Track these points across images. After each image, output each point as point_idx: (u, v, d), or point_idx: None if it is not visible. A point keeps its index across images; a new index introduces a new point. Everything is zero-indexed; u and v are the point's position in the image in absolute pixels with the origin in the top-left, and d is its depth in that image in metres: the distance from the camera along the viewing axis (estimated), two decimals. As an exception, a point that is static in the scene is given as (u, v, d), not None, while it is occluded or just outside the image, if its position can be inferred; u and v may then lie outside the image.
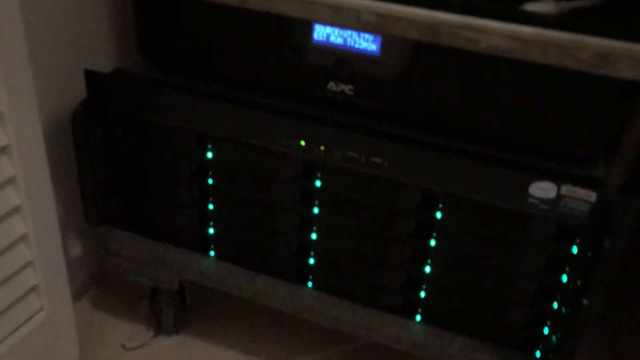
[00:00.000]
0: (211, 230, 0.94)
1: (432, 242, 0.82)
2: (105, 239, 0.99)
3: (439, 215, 0.80)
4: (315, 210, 0.86)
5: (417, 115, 0.79)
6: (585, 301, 0.72)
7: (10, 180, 0.78)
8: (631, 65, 0.56)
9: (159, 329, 1.07)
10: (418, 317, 0.89)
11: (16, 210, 0.80)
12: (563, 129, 0.73)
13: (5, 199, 0.77)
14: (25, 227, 0.81)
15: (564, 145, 0.75)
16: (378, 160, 0.79)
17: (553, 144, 0.75)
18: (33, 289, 0.86)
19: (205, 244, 0.96)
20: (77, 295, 1.13)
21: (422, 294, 0.87)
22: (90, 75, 0.87)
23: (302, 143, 0.81)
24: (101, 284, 1.17)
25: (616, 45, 0.56)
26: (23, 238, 0.82)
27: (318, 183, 0.84)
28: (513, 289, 0.81)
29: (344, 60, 0.78)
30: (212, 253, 0.96)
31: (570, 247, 0.76)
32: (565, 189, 0.72)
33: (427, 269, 0.84)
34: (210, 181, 0.90)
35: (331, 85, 0.81)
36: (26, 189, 0.79)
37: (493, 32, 0.58)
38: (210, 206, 0.92)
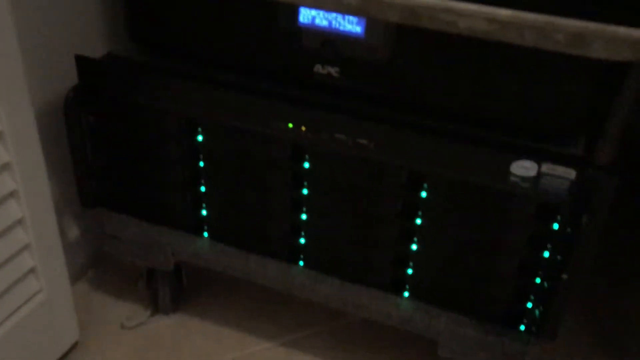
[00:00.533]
0: (204, 212, 0.96)
1: (418, 221, 0.84)
2: (102, 222, 1.02)
3: (424, 194, 0.82)
4: (305, 191, 0.88)
5: (402, 97, 0.81)
6: (564, 276, 0.74)
7: (5, 166, 0.80)
8: (604, 46, 0.58)
9: (157, 309, 1.10)
10: (406, 294, 0.91)
11: (12, 194, 0.82)
12: (543, 108, 0.75)
13: (0, 185, 0.79)
14: (21, 211, 0.83)
15: (545, 124, 0.76)
16: (364, 141, 0.80)
17: (534, 123, 0.76)
18: (31, 270, 0.88)
19: (198, 225, 0.98)
20: (76, 277, 1.16)
21: (410, 271, 0.89)
22: (81, 61, 0.89)
23: (290, 125, 0.83)
24: (99, 265, 1.19)
25: (590, 27, 0.57)
26: (20, 222, 0.84)
27: (307, 165, 0.86)
28: (497, 265, 0.83)
29: (330, 42, 0.80)
30: (205, 234, 0.98)
31: (552, 224, 0.78)
32: (546, 166, 0.74)
33: (414, 247, 0.86)
34: (201, 164, 0.92)
35: (317, 68, 0.82)
36: (21, 174, 0.81)
37: (471, 14, 0.59)
38: (203, 188, 0.94)
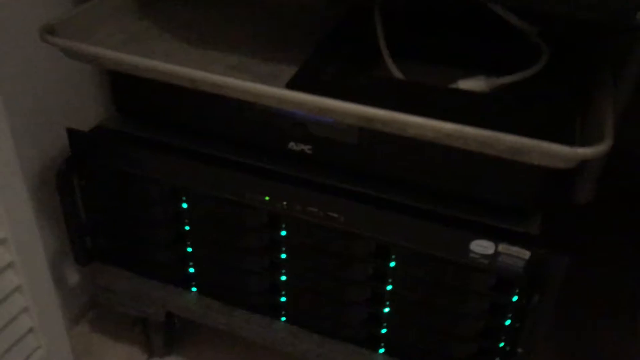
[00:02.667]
0: (191, 269, 1.02)
1: (389, 287, 0.89)
2: (95, 275, 1.08)
3: (392, 263, 0.87)
4: (283, 255, 0.93)
5: (371, 174, 0.85)
6: (519, 350, 0.79)
7: (2, 241, 0.86)
8: (540, 157, 0.62)
9: (152, 352, 1.16)
10: (381, 350, 0.96)
11: (9, 265, 0.88)
12: (500, 187, 0.79)
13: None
14: (19, 280, 0.89)
15: (503, 201, 0.81)
16: (335, 214, 0.85)
17: (492, 200, 0.81)
18: (30, 330, 0.95)
19: (187, 280, 1.04)
20: (76, 319, 1.22)
21: (383, 330, 0.94)
22: (73, 134, 0.94)
23: (267, 198, 0.88)
24: (99, 308, 1.26)
25: (526, 142, 0.62)
26: (17, 289, 0.90)
27: (283, 232, 0.91)
28: (462, 328, 0.88)
29: (302, 124, 0.84)
30: (193, 289, 1.04)
31: (511, 296, 0.82)
32: (502, 247, 0.78)
33: (386, 309, 0.92)
34: (186, 227, 0.97)
35: (291, 145, 0.87)
36: (17, 247, 0.87)
37: (418, 126, 0.64)
38: (189, 249, 1.00)
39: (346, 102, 0.66)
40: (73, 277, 1.20)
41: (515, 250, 0.78)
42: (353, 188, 0.86)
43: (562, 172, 0.79)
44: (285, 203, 0.87)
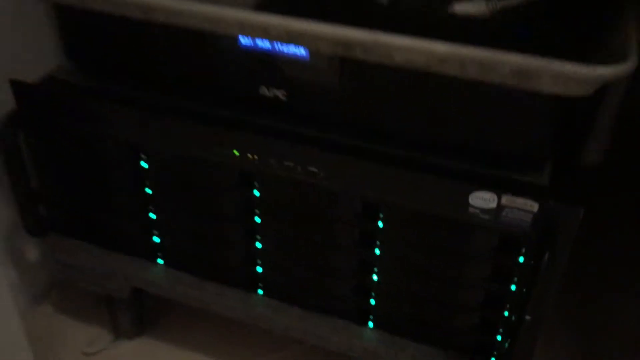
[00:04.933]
0: (156, 239, 0.91)
1: (377, 251, 0.78)
2: (52, 248, 0.97)
3: (380, 224, 0.76)
4: (257, 219, 0.82)
5: (354, 122, 0.74)
6: (527, 317, 0.69)
7: None
8: (553, 81, 0.51)
9: (119, 333, 1.06)
10: (371, 324, 0.86)
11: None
12: (502, 134, 0.68)
13: None
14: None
15: (506, 150, 0.70)
16: (314, 169, 0.75)
17: (493, 150, 0.70)
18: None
19: (152, 252, 0.93)
20: (38, 299, 1.11)
21: (373, 301, 0.84)
22: (17, 86, 0.83)
23: (236, 152, 0.77)
24: (64, 286, 1.15)
25: (535, 63, 0.51)
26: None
27: (257, 192, 0.80)
28: (461, 296, 0.78)
29: (274, 63, 0.73)
30: (160, 261, 0.93)
31: (517, 257, 0.72)
32: (506, 199, 0.68)
33: (375, 277, 0.81)
34: (148, 190, 0.86)
35: (263, 90, 0.76)
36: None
37: (405, 50, 0.53)
38: (152, 215, 0.89)
39: (320, 23, 0.55)
40: (33, 252, 1.08)
41: (521, 202, 0.67)
42: (335, 138, 0.74)
43: (573, 115, 0.69)
44: (257, 158, 0.76)
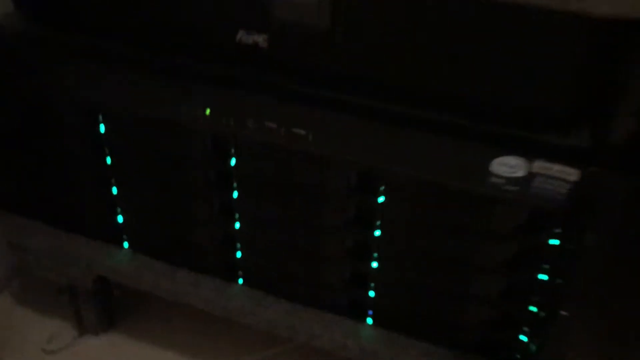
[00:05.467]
0: (120, 218, 0.78)
1: (377, 232, 0.65)
2: (4, 229, 0.84)
3: (381, 199, 0.63)
4: (235, 194, 0.69)
5: (348, 74, 0.61)
6: (562, 312, 0.55)
7: None
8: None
9: (83, 328, 0.93)
10: (369, 320, 0.72)
11: None
12: (532, 84, 0.54)
13: None
14: None
15: (535, 106, 0.56)
16: (301, 131, 0.61)
17: (522, 102, 0.56)
18: None
19: (116, 234, 0.80)
20: (-3, 289, 0.99)
21: (371, 293, 0.70)
22: (-48, 35, 0.70)
23: (207, 112, 0.64)
24: (25, 274, 1.02)
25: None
26: None
27: (233, 161, 0.67)
28: (478, 286, 0.64)
29: (254, 1, 0.60)
30: (125, 244, 0.80)
31: (547, 238, 0.58)
32: (538, 165, 0.54)
33: (374, 264, 0.68)
34: (107, 160, 0.73)
35: (241, 36, 0.62)
36: None
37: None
38: (114, 189, 0.76)
39: None
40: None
41: (557, 169, 0.53)
42: (326, 94, 0.61)
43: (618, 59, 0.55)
44: (233, 119, 0.63)
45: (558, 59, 0.51)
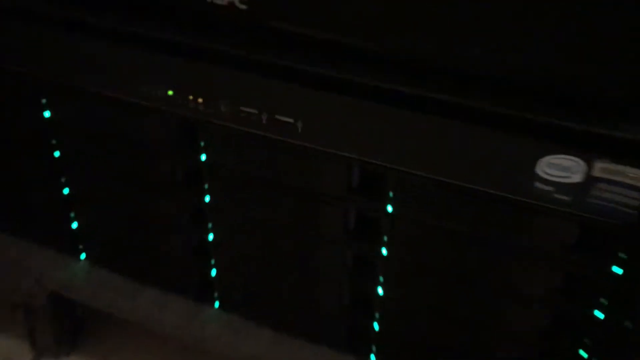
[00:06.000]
0: (75, 224, 0.65)
1: (384, 250, 0.51)
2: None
3: (389, 207, 0.49)
4: (206, 197, 0.56)
5: (349, 41, 0.46)
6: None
7: None
8: None
9: (40, 350, 0.79)
10: (372, 357, 0.58)
11: None
12: (599, 58, 0.40)
13: None
14: None
15: (603, 89, 0.41)
16: (289, 119, 0.47)
17: (579, 86, 0.41)
18: None
19: (71, 242, 0.67)
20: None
21: (376, 325, 0.56)
22: None
23: (170, 93, 0.50)
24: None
25: None
26: None
27: (203, 156, 0.53)
28: (513, 322, 0.50)
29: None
30: (82, 255, 0.67)
31: (608, 265, 0.44)
32: (602, 167, 0.40)
33: (380, 290, 0.53)
34: (55, 153, 0.60)
35: (214, -4, 0.49)
36: None
37: None
38: (65, 190, 0.62)
39: None
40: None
41: (628, 173, 0.39)
42: (319, 71, 0.47)
43: None
44: (201, 101, 0.49)
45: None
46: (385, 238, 0.51)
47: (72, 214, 0.65)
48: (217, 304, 0.63)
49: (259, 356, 0.61)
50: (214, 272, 0.61)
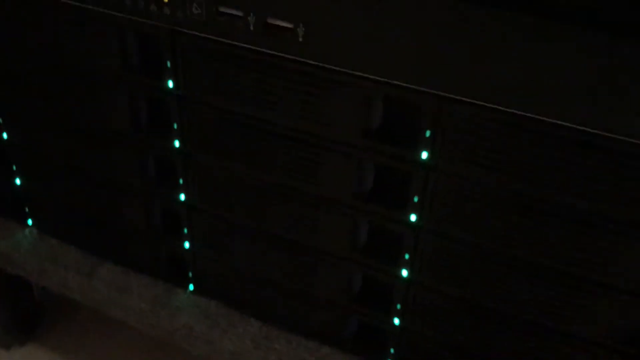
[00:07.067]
0: (18, 180, 0.51)
1: (413, 217, 0.37)
2: None
3: (424, 155, 0.34)
4: (176, 142, 0.41)
5: None
6: None
7: None
8: None
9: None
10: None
11: None
12: None
13: None
14: None
15: None
16: (287, 24, 0.33)
17: None
18: None
19: (14, 204, 0.53)
20: None
21: (396, 320, 0.42)
22: None
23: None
24: None
25: None
26: None
27: (170, 83, 0.39)
28: (596, 332, 0.35)
29: None
30: (29, 221, 0.53)
31: None
32: None
33: (404, 272, 0.39)
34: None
35: None
36: None
37: None
38: (4, 134, 0.48)
39: None
40: None
41: None
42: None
43: None
44: (167, 1, 0.35)
45: None
46: (416, 199, 0.37)
47: (14, 168, 0.51)
48: (191, 287, 0.49)
49: (242, 353, 0.47)
50: (187, 245, 0.47)
